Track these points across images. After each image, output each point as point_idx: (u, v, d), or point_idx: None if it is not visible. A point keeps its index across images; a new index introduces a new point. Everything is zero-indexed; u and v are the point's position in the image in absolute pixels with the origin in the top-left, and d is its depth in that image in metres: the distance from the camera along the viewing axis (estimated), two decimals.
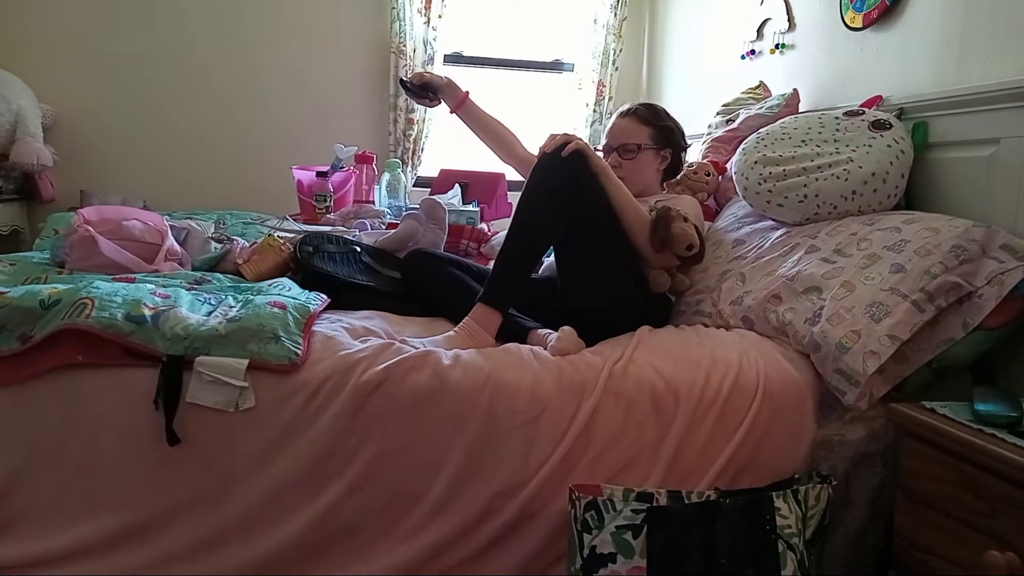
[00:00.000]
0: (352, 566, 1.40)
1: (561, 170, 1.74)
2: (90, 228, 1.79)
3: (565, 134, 1.79)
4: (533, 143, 1.97)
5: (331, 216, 2.65)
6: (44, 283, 1.59)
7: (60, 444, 1.36)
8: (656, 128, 2.12)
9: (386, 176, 2.93)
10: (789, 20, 2.62)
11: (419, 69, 3.60)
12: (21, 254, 2.07)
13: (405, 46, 3.69)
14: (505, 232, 1.79)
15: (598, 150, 2.21)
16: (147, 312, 1.42)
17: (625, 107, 2.19)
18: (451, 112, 2.20)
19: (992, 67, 1.72)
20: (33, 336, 1.37)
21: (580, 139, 1.79)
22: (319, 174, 2.80)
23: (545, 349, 1.58)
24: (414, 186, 3.75)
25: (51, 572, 1.35)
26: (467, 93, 2.18)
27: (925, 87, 1.92)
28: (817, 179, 1.81)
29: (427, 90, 2.15)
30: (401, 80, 2.26)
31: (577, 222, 1.74)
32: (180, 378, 1.37)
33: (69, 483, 1.36)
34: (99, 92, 3.64)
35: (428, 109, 3.75)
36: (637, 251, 1.83)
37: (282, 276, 1.87)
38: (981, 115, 1.68)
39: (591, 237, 1.79)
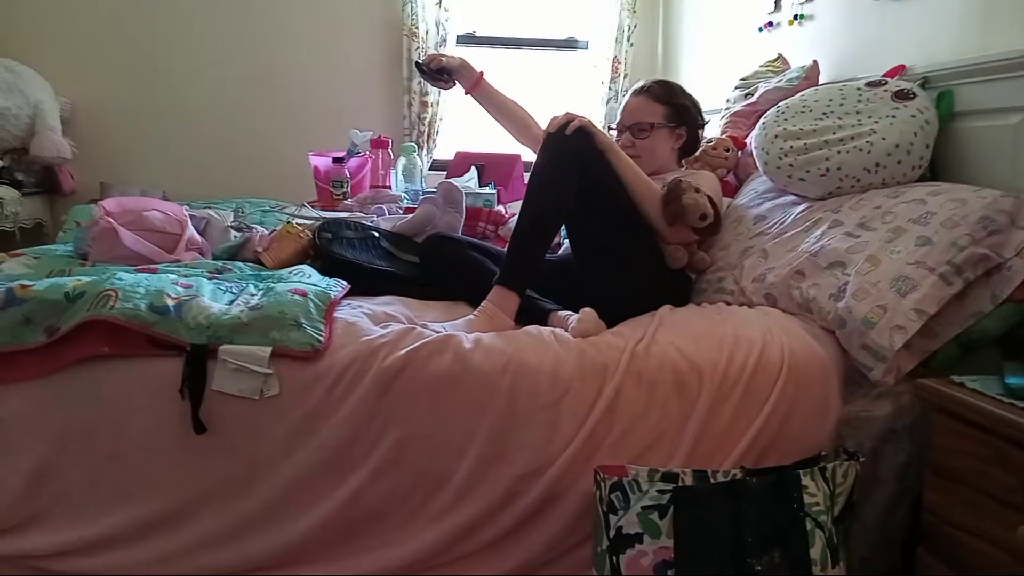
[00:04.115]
0: (379, 550, 1.41)
1: (566, 148, 1.74)
2: (111, 220, 1.80)
3: (568, 113, 1.78)
4: (546, 125, 1.96)
5: (348, 202, 2.65)
6: (68, 276, 1.60)
7: (89, 435, 1.38)
8: (670, 106, 2.09)
9: (402, 160, 2.93)
10: None
11: (433, 51, 3.57)
12: (45, 247, 2.09)
13: (417, 28, 3.67)
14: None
15: (611, 128, 2.19)
16: (170, 302, 1.42)
17: (639, 84, 2.16)
18: (466, 93, 2.19)
19: (1018, 33, 1.67)
20: (59, 328, 1.38)
21: (583, 117, 1.78)
22: (335, 160, 2.80)
23: (566, 331, 1.57)
24: (430, 169, 3.75)
25: (83, 560, 1.37)
26: (481, 74, 2.16)
27: (949, 55, 1.87)
28: (839, 152, 1.78)
29: (442, 73, 2.14)
30: (417, 63, 2.26)
31: (586, 200, 1.73)
32: (205, 367, 1.38)
33: (98, 473, 1.38)
34: (116, 84, 3.66)
35: (441, 92, 3.73)
36: (652, 226, 1.82)
37: (302, 263, 1.87)
38: (1007, 82, 1.64)
39: (602, 214, 1.78)
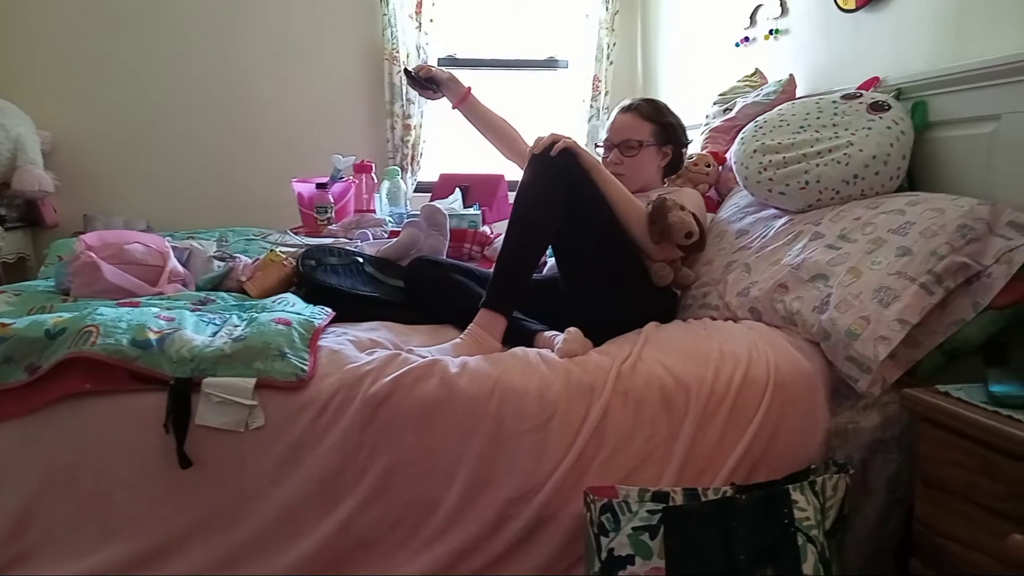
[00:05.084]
0: None
1: (552, 169, 1.74)
2: (92, 254, 1.79)
3: (552, 134, 1.79)
4: (531, 143, 1.97)
5: (333, 227, 2.65)
6: (49, 312, 1.59)
7: (73, 472, 1.36)
8: (658, 124, 2.11)
9: (386, 184, 2.93)
10: (781, 5, 2.59)
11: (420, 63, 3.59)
12: (26, 283, 2.07)
13: (398, 52, 3.68)
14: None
15: (598, 146, 2.20)
16: (152, 336, 1.42)
17: (626, 102, 2.17)
18: (453, 108, 2.20)
19: (990, 42, 1.69)
20: (40, 366, 1.37)
21: (568, 137, 1.78)
22: (319, 186, 2.80)
23: (552, 351, 1.57)
24: (415, 192, 3.75)
25: None
26: (469, 89, 2.18)
27: (923, 66, 1.90)
28: (818, 165, 1.80)
29: (431, 82, 2.15)
30: (405, 69, 2.26)
31: (572, 220, 1.74)
32: (188, 401, 1.37)
33: (84, 511, 1.37)
34: (96, 116, 3.65)
35: (424, 114, 3.75)
36: (637, 245, 1.82)
37: (286, 291, 1.86)
38: (981, 91, 1.66)
39: (588, 234, 1.78)
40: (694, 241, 1.76)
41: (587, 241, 1.80)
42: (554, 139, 1.77)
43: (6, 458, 1.37)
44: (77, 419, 1.37)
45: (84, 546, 1.37)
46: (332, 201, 2.74)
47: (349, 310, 1.77)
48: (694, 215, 1.77)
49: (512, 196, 1.85)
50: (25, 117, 3.36)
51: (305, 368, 1.41)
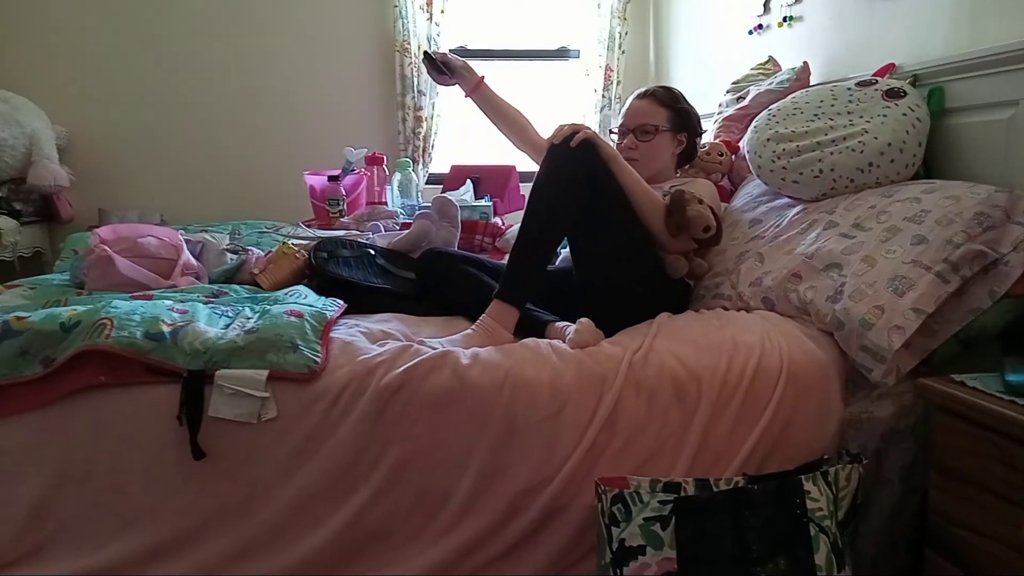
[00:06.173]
0: (382, 570, 1.40)
1: (571, 161, 1.72)
2: (106, 248, 1.80)
3: (573, 124, 1.77)
4: (544, 133, 1.96)
5: (345, 220, 2.66)
6: (64, 305, 1.60)
7: (88, 465, 1.38)
8: (674, 111, 2.09)
9: (397, 176, 2.94)
10: None
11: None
12: (42, 277, 2.09)
13: (409, 44, 3.68)
14: (518, 226, 1.78)
15: (612, 132, 2.19)
16: (165, 329, 1.42)
17: (643, 89, 2.16)
18: (466, 96, 2.19)
19: (1008, 27, 1.67)
20: (56, 359, 1.38)
21: (588, 128, 1.77)
22: (331, 178, 2.80)
23: (564, 342, 1.57)
24: (426, 184, 3.75)
25: None
26: (482, 78, 2.17)
27: (939, 52, 1.87)
28: (832, 153, 1.78)
29: (446, 67, 2.16)
30: (426, 52, 2.27)
31: (590, 212, 1.72)
32: (202, 392, 1.37)
33: (99, 503, 1.38)
34: (111, 110, 3.68)
35: (436, 106, 3.75)
36: (653, 237, 1.81)
37: (298, 284, 1.87)
38: (998, 77, 1.63)
39: (605, 226, 1.77)
40: (710, 235, 1.75)
41: (604, 233, 1.78)
42: (574, 129, 1.75)
43: (22, 451, 1.38)
44: (92, 411, 1.38)
45: (100, 538, 1.38)
46: (344, 193, 2.75)
47: (361, 302, 1.77)
48: (711, 208, 1.76)
49: (523, 187, 1.84)
50: (40, 112, 3.40)
51: (317, 360, 1.42)
